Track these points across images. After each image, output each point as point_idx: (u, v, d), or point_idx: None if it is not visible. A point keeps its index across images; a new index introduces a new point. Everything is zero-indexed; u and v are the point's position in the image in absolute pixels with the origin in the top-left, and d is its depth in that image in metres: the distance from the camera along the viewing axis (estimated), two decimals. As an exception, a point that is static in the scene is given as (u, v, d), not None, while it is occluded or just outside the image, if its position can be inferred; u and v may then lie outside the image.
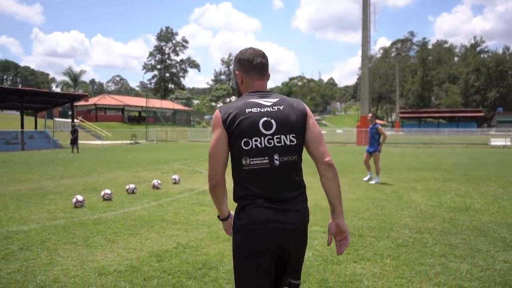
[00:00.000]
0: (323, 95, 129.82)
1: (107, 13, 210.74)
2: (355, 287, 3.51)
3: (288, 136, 1.88)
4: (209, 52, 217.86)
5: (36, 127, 36.71)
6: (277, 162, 1.85)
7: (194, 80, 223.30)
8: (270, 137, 1.85)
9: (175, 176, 10.13)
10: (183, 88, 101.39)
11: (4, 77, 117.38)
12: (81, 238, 5.06)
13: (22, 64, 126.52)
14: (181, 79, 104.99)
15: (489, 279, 3.64)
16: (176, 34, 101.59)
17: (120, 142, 38.86)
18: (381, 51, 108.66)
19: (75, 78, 73.09)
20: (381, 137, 10.20)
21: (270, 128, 1.86)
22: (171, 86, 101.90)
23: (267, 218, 1.81)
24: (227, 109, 1.90)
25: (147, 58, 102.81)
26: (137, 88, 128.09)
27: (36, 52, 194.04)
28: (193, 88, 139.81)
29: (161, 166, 14.67)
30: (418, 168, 13.45)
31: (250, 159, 1.84)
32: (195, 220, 6.09)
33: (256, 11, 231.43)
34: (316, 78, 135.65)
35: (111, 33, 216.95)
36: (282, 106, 1.91)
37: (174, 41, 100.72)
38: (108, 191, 7.72)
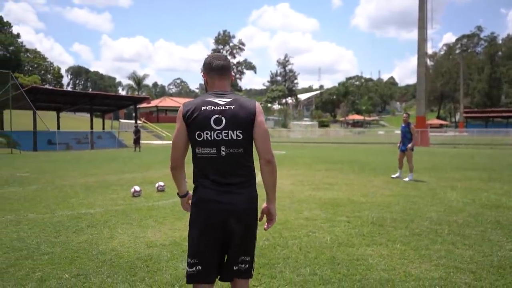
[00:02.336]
0: (381, 95, 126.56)
1: (169, 18, 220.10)
2: (359, 264, 4.01)
3: (235, 131, 2.20)
4: (266, 53, 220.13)
5: (103, 128, 39.64)
6: (223, 153, 2.20)
7: (251, 81, 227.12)
8: (219, 131, 2.19)
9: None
10: (239, 89, 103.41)
11: (77, 81, 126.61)
12: (136, 220, 5.96)
13: (92, 69, 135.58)
14: (238, 80, 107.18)
15: (486, 263, 3.99)
16: (233, 37, 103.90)
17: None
18: (445, 48, 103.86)
19: (139, 81, 77.45)
20: (413, 136, 10.72)
21: (220, 124, 2.20)
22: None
23: (212, 198, 2.21)
24: (188, 106, 2.27)
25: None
26: (196, 90, 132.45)
27: (105, 58, 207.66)
28: (250, 90, 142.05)
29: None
30: (466, 168, 13.27)
31: (202, 149, 2.22)
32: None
33: (314, 10, 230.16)
34: (375, 78, 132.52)
35: (173, 38, 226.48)
36: (234, 106, 2.23)
37: (231, 44, 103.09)
38: (161, 183, 8.67)
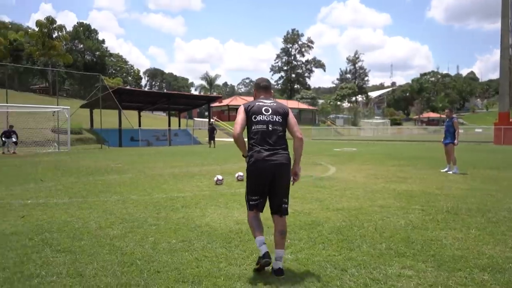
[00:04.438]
0: (460, 91, 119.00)
1: (239, 19, 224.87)
2: (433, 243, 4.29)
3: (277, 116, 3.57)
4: (335, 50, 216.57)
5: (179, 126, 41.94)
6: (270, 129, 3.51)
7: (320, 79, 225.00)
8: (267, 116, 3.55)
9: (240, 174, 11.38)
10: (308, 88, 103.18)
11: (153, 83, 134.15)
12: (222, 203, 6.66)
13: (166, 71, 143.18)
14: (307, 79, 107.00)
15: None
16: (302, 35, 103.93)
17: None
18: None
19: (210, 82, 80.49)
20: (456, 130, 11.01)
21: (268, 112, 3.57)
22: (296, 86, 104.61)
23: (263, 157, 3.44)
24: (247, 103, 3.66)
25: (274, 60, 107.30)
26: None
27: (178, 60, 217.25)
28: (319, 88, 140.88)
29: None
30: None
31: (256, 126, 3.53)
32: (310, 196, 7.27)
33: (386, 4, 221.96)
34: (452, 73, 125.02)
35: (242, 38, 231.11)
36: (275, 104, 3.66)
37: (300, 43, 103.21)
38: (241, 173, 9.36)
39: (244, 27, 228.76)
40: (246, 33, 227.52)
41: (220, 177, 8.90)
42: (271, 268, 3.44)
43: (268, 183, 3.49)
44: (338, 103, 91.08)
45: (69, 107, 26.30)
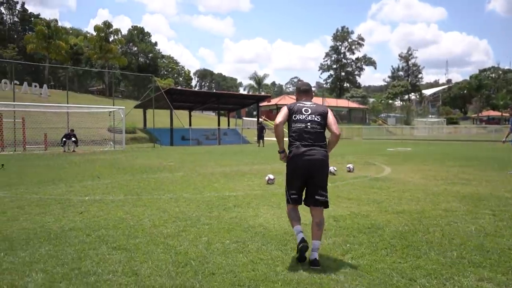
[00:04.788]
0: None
1: (287, 19, 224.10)
2: (512, 253, 3.86)
3: (316, 116, 3.81)
4: (386, 48, 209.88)
5: (228, 125, 42.37)
6: (309, 127, 3.76)
7: (370, 77, 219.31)
8: (307, 115, 3.80)
9: (350, 165, 11.05)
10: (358, 86, 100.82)
11: (202, 83, 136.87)
12: (275, 203, 6.48)
13: (216, 71, 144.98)
14: (357, 77, 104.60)
15: None
16: (352, 32, 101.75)
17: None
18: None
19: (259, 81, 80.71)
20: None
21: (307, 112, 3.82)
22: (346, 85, 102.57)
23: (302, 152, 3.69)
24: (290, 104, 3.94)
25: (323, 58, 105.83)
26: (313, 88, 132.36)
27: (227, 60, 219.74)
28: (369, 86, 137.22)
29: (336, 158, 15.74)
30: None
31: (296, 124, 3.80)
32: (366, 198, 6.92)
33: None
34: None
35: (290, 38, 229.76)
36: (315, 105, 3.92)
37: (349, 40, 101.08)
38: (271, 176, 9.18)
39: (292, 26, 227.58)
40: (294, 32, 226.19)
41: (271, 176, 8.74)
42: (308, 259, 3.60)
43: (305, 176, 3.74)
44: (390, 101, 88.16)
45: (124, 107, 27.29)
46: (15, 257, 3.86)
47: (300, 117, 3.79)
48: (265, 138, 29.19)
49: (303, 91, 4.10)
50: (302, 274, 3.35)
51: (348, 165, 11.10)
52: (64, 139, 22.10)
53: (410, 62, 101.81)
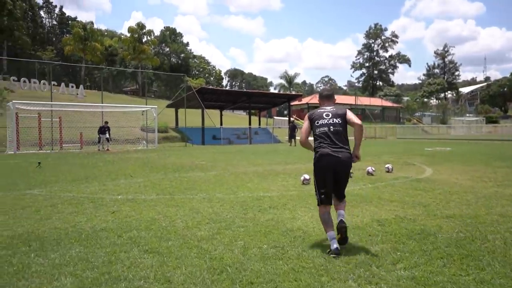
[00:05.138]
0: None
1: (318, 17, 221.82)
2: None
3: (336, 119, 4.07)
4: (420, 45, 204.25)
5: (259, 124, 42.15)
6: (331, 130, 4.03)
7: (403, 76, 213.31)
8: (328, 119, 4.07)
9: (388, 165, 10.54)
10: (391, 84, 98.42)
11: (233, 83, 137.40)
12: (312, 204, 6.12)
13: (246, 71, 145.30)
14: (390, 75, 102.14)
15: None
16: (385, 29, 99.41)
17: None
18: None
19: (290, 80, 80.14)
20: None
21: (328, 116, 4.09)
22: (379, 83, 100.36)
23: (328, 153, 3.96)
24: (311, 112, 4.26)
25: (356, 56, 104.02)
26: (344, 88, 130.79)
27: (257, 60, 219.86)
28: (402, 85, 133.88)
29: (372, 158, 15.18)
30: None
31: (320, 129, 4.08)
32: (410, 200, 6.47)
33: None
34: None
35: (321, 36, 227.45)
36: (335, 108, 4.18)
37: (383, 38, 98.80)
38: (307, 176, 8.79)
39: (323, 25, 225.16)
40: (325, 31, 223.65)
41: (307, 176, 8.38)
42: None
43: (332, 175, 4.02)
44: (425, 99, 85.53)
45: (156, 106, 27.54)
46: (45, 258, 3.71)
47: (322, 121, 4.10)
48: (297, 137, 28.75)
49: (325, 96, 4.42)
50: (351, 286, 3.01)
51: (386, 165, 10.59)
52: (99, 135, 22.44)
53: (446, 59, 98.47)
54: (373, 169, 9.85)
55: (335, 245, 3.76)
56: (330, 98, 4.38)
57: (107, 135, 22.48)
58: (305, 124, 4.25)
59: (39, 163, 12.09)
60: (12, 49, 61.14)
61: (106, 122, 23.32)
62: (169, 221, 5.13)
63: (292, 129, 28.12)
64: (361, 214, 5.47)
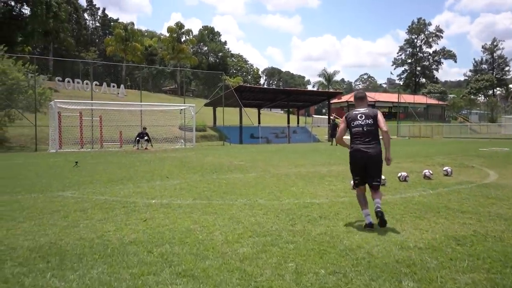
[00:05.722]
0: None
1: (356, 14, 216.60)
2: None
3: (369, 120, 4.73)
4: (465, 40, 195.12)
5: (298, 123, 41.22)
6: (365, 130, 4.71)
7: (446, 72, 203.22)
8: (361, 120, 4.73)
9: (447, 168, 9.48)
10: (436, 81, 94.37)
11: (270, 81, 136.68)
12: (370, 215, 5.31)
13: (283, 69, 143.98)
14: (434, 71, 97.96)
15: None
16: (429, 24, 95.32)
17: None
18: None
19: (329, 78, 78.45)
20: None
21: (362, 118, 4.75)
22: (422, 80, 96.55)
23: (360, 148, 4.69)
24: (347, 114, 4.91)
25: (397, 53, 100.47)
26: (384, 86, 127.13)
27: (294, 58, 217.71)
28: (445, 82, 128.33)
29: (423, 159, 14.03)
30: None
31: (355, 129, 4.77)
32: (485, 211, 5.51)
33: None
34: None
35: (360, 33, 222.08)
36: (367, 110, 4.81)
37: (426, 33, 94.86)
38: (404, 173, 7.95)
39: (361, 22, 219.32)
40: (363, 28, 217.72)
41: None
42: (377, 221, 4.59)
43: (363, 166, 4.77)
44: (472, 96, 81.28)
45: (194, 105, 27.27)
46: (62, 280, 3.15)
47: (357, 122, 4.82)
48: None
49: (358, 97, 5.09)
50: None
51: (445, 168, 9.54)
52: (138, 138, 22.39)
53: (495, 54, 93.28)
54: (431, 172, 8.85)
55: (369, 220, 4.64)
56: (363, 99, 5.07)
57: (145, 138, 22.33)
58: (342, 125, 5.05)
59: (76, 162, 11.88)
60: (58, 50, 63.29)
61: (145, 128, 23.12)
62: (206, 233, 4.49)
63: (333, 128, 27.04)
64: (430, 229, 4.61)
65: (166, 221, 5.09)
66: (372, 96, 67.36)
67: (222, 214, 5.47)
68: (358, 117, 4.80)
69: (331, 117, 37.64)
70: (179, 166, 12.10)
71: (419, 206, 5.88)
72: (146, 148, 21.77)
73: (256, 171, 10.51)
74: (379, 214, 4.55)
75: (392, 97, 66.68)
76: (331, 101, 49.31)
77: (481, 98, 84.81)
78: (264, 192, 7.18)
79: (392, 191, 7.15)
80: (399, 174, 8.47)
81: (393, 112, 62.96)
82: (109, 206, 6.03)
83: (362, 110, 4.86)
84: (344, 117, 5.04)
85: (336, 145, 25.43)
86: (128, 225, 4.91)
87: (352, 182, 5.29)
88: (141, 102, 26.14)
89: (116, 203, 6.27)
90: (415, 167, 11.26)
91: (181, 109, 26.89)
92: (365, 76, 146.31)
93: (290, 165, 12.07)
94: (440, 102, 72.29)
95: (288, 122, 36.97)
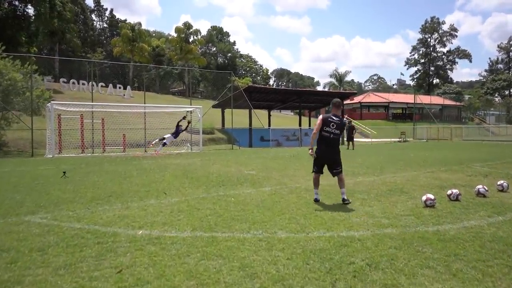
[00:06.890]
0: None
1: (366, 15, 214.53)
2: None
3: (337, 130, 6.58)
4: (477, 40, 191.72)
5: (309, 125, 39.54)
6: (331, 137, 6.58)
7: (457, 73, 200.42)
8: (332, 129, 6.55)
9: (502, 182, 7.84)
10: (450, 81, 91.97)
11: (279, 83, 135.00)
12: (439, 259, 3.73)
13: (292, 70, 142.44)
14: (448, 71, 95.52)
15: None
16: (443, 23, 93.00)
17: (386, 140, 37.69)
18: None
19: (340, 78, 76.57)
20: None
21: (333, 127, 6.56)
22: (435, 80, 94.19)
23: (325, 150, 6.66)
24: (325, 116, 6.68)
25: (410, 52, 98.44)
26: (394, 87, 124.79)
27: (303, 59, 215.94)
28: (457, 82, 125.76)
29: (458, 167, 12.35)
30: None
31: (324, 133, 6.60)
32: None
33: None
34: None
35: (369, 34, 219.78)
36: (339, 121, 6.61)
37: (440, 32, 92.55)
38: (431, 196, 6.28)
39: (371, 22, 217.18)
40: (373, 28, 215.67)
41: (431, 196, 6.04)
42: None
43: (325, 163, 6.69)
44: (489, 97, 78.86)
45: (201, 106, 25.81)
46: None
47: (329, 129, 6.46)
48: (354, 139, 25.99)
49: (337, 105, 6.76)
50: None
51: (499, 182, 7.89)
52: (165, 139, 20.19)
53: (511, 53, 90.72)
54: (486, 188, 7.20)
55: (317, 196, 6.77)
56: (339, 107, 6.77)
57: (165, 140, 20.10)
58: (318, 122, 6.57)
59: (64, 173, 10.43)
60: (64, 51, 62.36)
61: (185, 117, 21.10)
62: (206, 301, 2.95)
63: (350, 131, 25.34)
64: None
65: (149, 272, 3.56)
66: (386, 97, 65.58)
67: (230, 258, 3.93)
68: (331, 126, 6.45)
69: (348, 118, 35.89)
70: (181, 176, 10.57)
71: (499, 244, 4.28)
72: (155, 152, 20.14)
73: (270, 184, 8.95)
74: (346, 202, 6.46)
75: (406, 98, 64.75)
76: (344, 102, 47.60)
77: (498, 99, 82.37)
78: (284, 218, 5.61)
79: (449, 218, 5.53)
80: (449, 192, 6.85)
81: (408, 113, 60.99)
82: (79, 242, 4.52)
83: (335, 119, 6.49)
84: (321, 118, 6.55)
85: (353, 148, 23.77)
86: (93, 280, 3.39)
87: (313, 169, 6.88)
88: (144, 103, 24.71)
89: (91, 236, 4.75)
90: (455, 178, 9.62)
91: (187, 111, 25.42)
92: (375, 77, 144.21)
93: (308, 176, 10.43)
94: (456, 103, 70.13)
95: (300, 124, 35.38)
